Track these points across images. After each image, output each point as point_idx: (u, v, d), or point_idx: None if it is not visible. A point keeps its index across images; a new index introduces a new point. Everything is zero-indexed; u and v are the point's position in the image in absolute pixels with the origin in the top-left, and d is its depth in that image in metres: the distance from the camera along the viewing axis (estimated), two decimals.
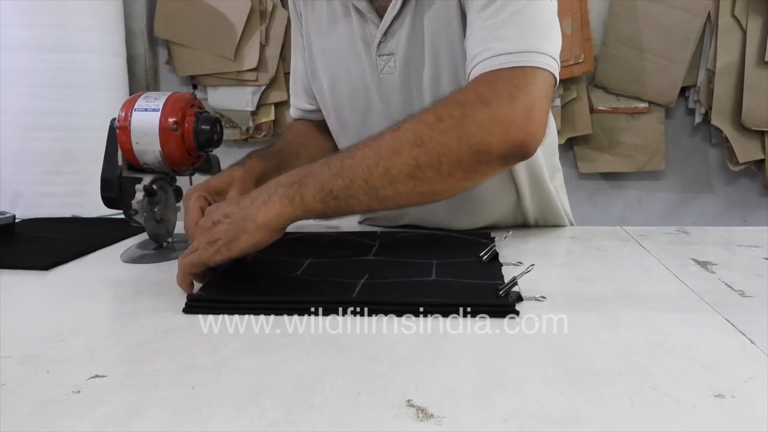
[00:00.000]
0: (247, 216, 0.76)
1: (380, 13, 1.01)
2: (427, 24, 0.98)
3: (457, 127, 0.77)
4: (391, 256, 0.97)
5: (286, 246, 1.01)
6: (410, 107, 1.01)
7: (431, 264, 0.90)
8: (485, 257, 0.91)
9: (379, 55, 1.02)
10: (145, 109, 1.01)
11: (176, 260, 0.82)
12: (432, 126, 0.77)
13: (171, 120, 1.00)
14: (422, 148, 0.76)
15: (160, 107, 1.00)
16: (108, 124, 1.05)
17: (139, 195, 1.03)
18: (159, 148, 1.00)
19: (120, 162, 1.03)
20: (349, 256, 0.97)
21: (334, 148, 1.17)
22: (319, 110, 1.17)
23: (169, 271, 0.94)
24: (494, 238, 1.01)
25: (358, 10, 1.02)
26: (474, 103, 0.79)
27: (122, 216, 1.04)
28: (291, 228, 0.81)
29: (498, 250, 0.94)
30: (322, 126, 1.19)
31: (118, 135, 1.00)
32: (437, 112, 0.79)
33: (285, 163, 1.06)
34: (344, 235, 1.11)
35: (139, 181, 1.03)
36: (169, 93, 1.03)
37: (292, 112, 1.24)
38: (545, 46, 0.84)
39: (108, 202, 1.05)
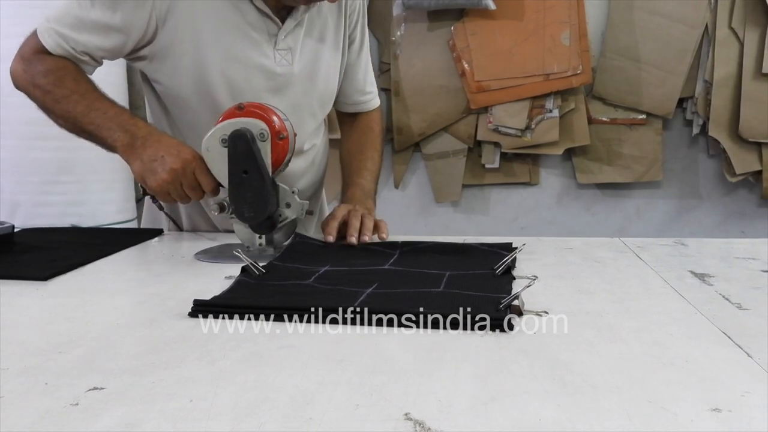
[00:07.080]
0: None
1: (278, 13, 1.18)
2: (316, 31, 1.25)
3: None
4: (407, 266, 0.98)
5: (309, 254, 1.04)
6: (296, 99, 1.24)
7: (443, 275, 0.91)
8: (498, 270, 0.92)
9: (278, 50, 1.20)
10: (282, 120, 1.07)
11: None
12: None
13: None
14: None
15: (285, 117, 1.09)
16: None
17: (296, 197, 1.07)
18: (292, 154, 1.10)
19: (271, 173, 1.05)
20: (365, 265, 0.98)
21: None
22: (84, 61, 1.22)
23: (168, 281, 0.94)
24: (516, 248, 1.02)
25: (258, 9, 1.17)
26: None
27: (112, 226, 1.05)
28: None
29: (516, 264, 0.95)
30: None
31: (279, 145, 1.04)
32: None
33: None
34: (368, 243, 1.12)
35: (276, 189, 1.07)
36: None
37: (58, 48, 1.22)
38: None
39: (269, 216, 1.06)
